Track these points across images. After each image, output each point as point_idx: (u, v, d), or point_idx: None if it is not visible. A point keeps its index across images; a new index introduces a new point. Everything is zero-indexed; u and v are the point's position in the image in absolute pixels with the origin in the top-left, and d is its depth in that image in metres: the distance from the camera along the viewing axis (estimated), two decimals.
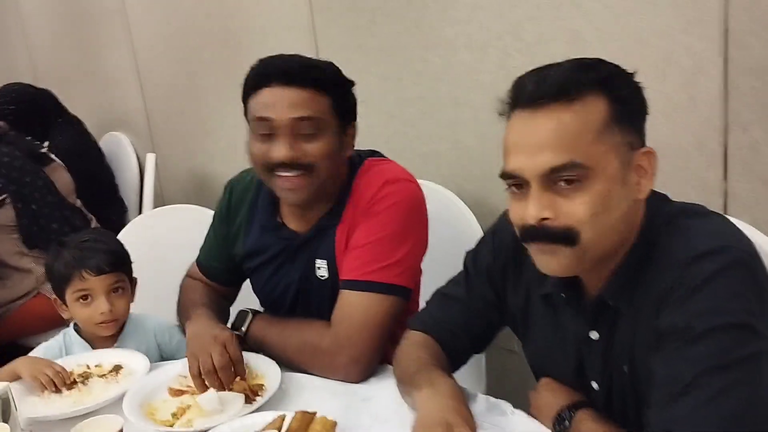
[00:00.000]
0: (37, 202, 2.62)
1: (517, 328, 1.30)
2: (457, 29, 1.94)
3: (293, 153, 1.39)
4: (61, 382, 1.44)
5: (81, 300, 1.60)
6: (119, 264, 1.63)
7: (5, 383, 1.30)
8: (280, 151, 1.38)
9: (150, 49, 3.35)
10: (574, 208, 0.99)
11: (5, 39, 4.79)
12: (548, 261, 1.05)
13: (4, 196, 2.55)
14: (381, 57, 2.17)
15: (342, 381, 1.39)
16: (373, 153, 1.57)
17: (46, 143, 3.03)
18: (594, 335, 1.12)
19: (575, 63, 1.05)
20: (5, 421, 1.22)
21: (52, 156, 2.88)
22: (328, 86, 1.43)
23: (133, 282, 1.68)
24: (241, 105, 1.48)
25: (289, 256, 1.55)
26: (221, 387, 1.33)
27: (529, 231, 1.03)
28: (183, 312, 1.65)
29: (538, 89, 1.01)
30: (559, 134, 0.99)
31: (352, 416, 1.25)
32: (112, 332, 1.61)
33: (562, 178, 0.99)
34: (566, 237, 1.00)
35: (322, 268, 1.51)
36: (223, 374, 1.34)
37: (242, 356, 1.39)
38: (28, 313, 2.53)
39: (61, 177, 2.84)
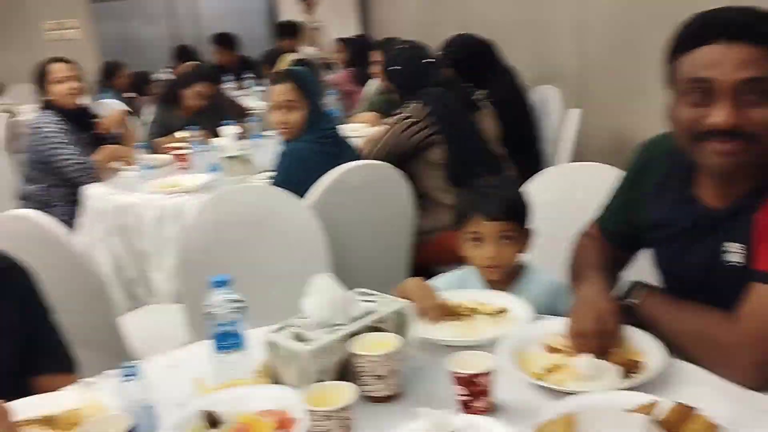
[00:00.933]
0: (464, 145, 2.83)
1: None
2: None
3: (735, 120, 1.21)
4: (439, 314, 1.53)
5: (472, 241, 1.68)
6: (512, 213, 1.66)
7: (406, 301, 1.45)
8: (719, 116, 1.22)
9: (592, 0, 3.29)
10: None
11: None
12: None
13: (438, 136, 2.81)
14: None
15: (739, 384, 1.21)
16: None
17: (481, 91, 3.24)
18: None
19: None
20: (401, 335, 1.36)
21: (485, 104, 3.08)
22: None
23: (527, 233, 1.70)
24: None
25: (699, 234, 1.38)
26: (593, 352, 1.30)
27: None
28: (575, 270, 1.62)
29: None
30: None
31: (742, 428, 1.09)
32: (495, 277, 1.67)
33: None
34: None
35: (734, 253, 1.31)
36: (595, 342, 1.30)
37: (617, 331, 1.34)
38: (441, 245, 2.77)
39: (490, 124, 3.02)
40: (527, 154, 3.32)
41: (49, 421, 1.25)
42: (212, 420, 1.22)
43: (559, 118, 3.44)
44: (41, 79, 3.51)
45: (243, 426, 1.17)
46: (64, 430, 1.23)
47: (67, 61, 3.57)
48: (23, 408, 1.27)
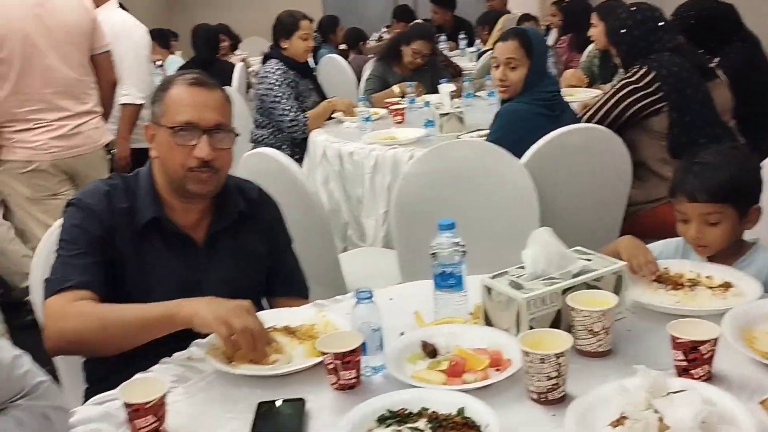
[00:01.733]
0: (692, 114, 2.66)
1: None
2: None
3: None
4: (651, 272, 1.50)
5: (681, 222, 1.62)
6: (721, 195, 1.55)
7: (624, 263, 1.44)
8: None
9: None
10: None
11: None
12: None
13: (663, 103, 2.67)
14: None
15: None
16: None
17: (716, 59, 3.03)
18: None
19: None
20: (616, 294, 1.36)
21: (719, 72, 2.87)
22: None
23: (748, 213, 1.60)
24: None
25: None
26: None
27: None
28: None
29: None
30: None
31: None
32: (705, 255, 1.61)
33: None
34: None
35: None
36: None
37: None
38: (654, 218, 2.66)
39: (722, 94, 2.82)
40: (763, 129, 3.05)
41: (289, 331, 1.41)
42: (430, 350, 1.32)
43: None
44: (289, 30, 3.63)
45: (459, 359, 1.25)
46: (301, 339, 1.38)
47: (312, 21, 3.77)
48: (267, 318, 1.45)
